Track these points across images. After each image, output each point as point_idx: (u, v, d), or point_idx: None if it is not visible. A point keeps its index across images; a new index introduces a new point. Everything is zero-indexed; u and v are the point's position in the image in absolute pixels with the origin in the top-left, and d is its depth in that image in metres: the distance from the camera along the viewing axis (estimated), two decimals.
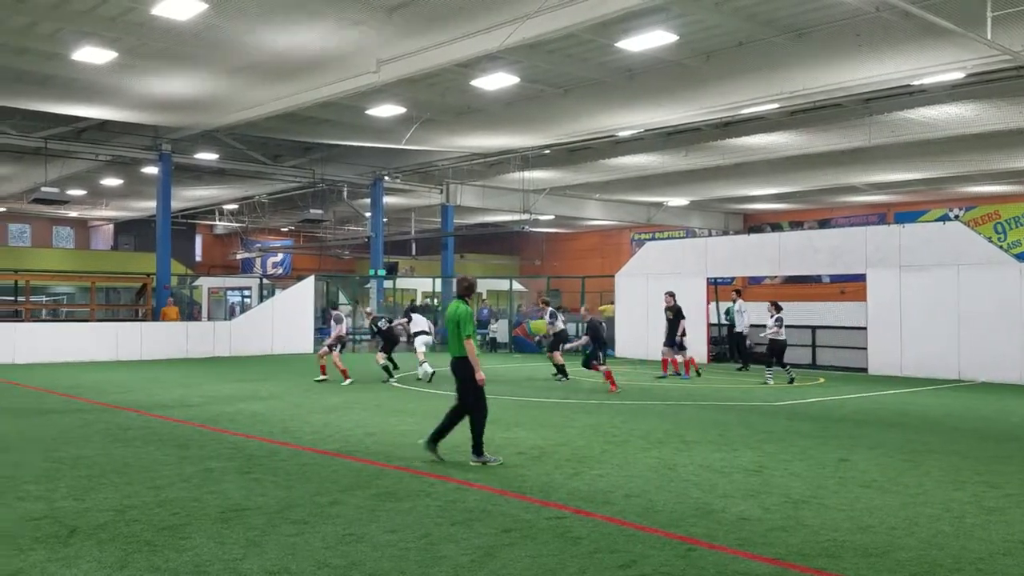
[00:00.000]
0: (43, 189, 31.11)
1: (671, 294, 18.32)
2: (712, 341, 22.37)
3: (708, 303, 22.57)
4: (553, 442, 9.39)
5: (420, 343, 17.48)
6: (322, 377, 16.43)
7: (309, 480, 7.39)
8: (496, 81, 18.03)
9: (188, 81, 19.09)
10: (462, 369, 8.14)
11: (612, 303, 25.11)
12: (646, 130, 22.77)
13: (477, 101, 20.37)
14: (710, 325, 22.41)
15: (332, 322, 16.93)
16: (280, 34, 15.75)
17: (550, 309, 17.76)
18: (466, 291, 8.40)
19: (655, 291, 22.26)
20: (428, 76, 17.76)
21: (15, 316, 27.38)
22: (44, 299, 36.18)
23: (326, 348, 16.86)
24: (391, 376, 16.70)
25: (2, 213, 44.03)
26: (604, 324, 17.23)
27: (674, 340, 17.77)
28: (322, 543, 5.47)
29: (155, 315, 25.55)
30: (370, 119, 22.09)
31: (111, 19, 14.98)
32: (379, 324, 17.76)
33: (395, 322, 18.62)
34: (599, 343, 16.14)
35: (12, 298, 30.07)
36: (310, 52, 16.71)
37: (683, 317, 17.82)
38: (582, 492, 6.98)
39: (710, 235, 36.34)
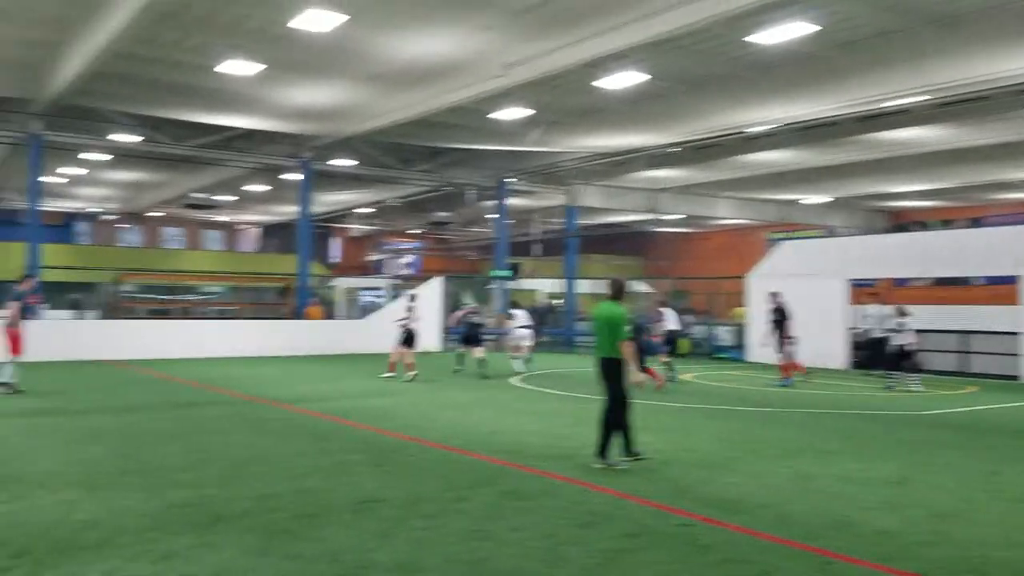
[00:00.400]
0: (194, 195, 33.26)
1: (774, 294, 17.48)
2: (855, 346, 21.31)
3: (848, 306, 21.51)
4: (680, 448, 9.19)
5: (519, 337, 18.49)
6: (389, 374, 16.73)
7: (436, 475, 7.53)
8: (622, 80, 17.84)
9: (327, 91, 19.97)
10: (611, 371, 8.04)
11: (743, 306, 24.35)
12: (780, 125, 22.01)
13: (602, 101, 20.25)
14: (850, 330, 21.35)
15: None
16: (413, 43, 16.22)
17: (663, 309, 17.40)
18: (618, 292, 8.32)
19: (791, 293, 21.45)
20: (553, 77, 17.82)
21: (168, 314, 29.44)
22: (196, 298, 38.65)
23: (399, 346, 16.83)
24: (461, 368, 18.03)
25: (158, 217, 47.40)
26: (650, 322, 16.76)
27: (781, 343, 16.82)
28: (449, 538, 5.56)
29: (296, 314, 26.77)
30: (495, 123, 22.38)
31: (254, 32, 15.84)
32: (470, 320, 18.67)
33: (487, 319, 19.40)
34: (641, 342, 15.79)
35: (166, 297, 32.33)
36: (440, 59, 17.13)
37: (788, 318, 16.85)
38: (711, 500, 6.79)
39: (850, 234, 34.64)
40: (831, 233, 36.86)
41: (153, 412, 11.63)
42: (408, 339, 16.70)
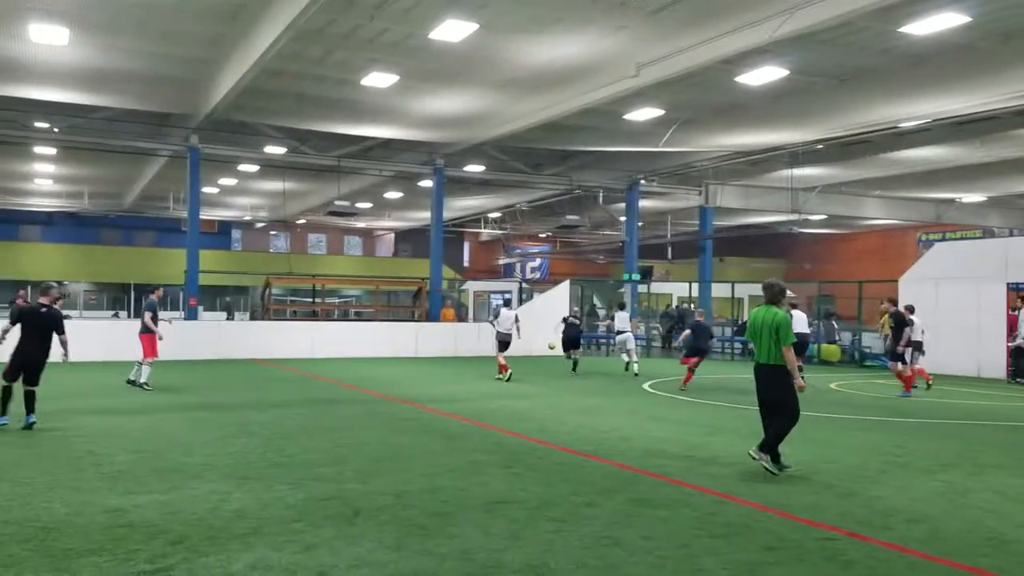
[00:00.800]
0: (336, 203, 34.70)
1: (891, 300, 16.34)
2: (1012, 354, 19.76)
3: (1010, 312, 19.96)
4: (823, 459, 8.77)
5: (621, 340, 19.45)
6: (499, 375, 17.42)
7: (566, 479, 7.51)
8: (762, 76, 17.32)
9: (459, 99, 20.40)
10: (776, 376, 7.89)
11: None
12: (933, 120, 20.70)
13: (741, 98, 19.72)
14: (1012, 336, 19.78)
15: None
16: (543, 47, 16.32)
17: (793, 312, 16.79)
18: (777, 296, 8.18)
19: (946, 298, 20.14)
20: (688, 75, 17.48)
21: (312, 316, 30.86)
22: (336, 301, 40.36)
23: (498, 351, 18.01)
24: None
25: (303, 224, 49.84)
26: (704, 326, 16.63)
27: (896, 351, 15.45)
28: (579, 543, 5.53)
29: (429, 316, 27.46)
30: (627, 123, 22.19)
31: (393, 45, 16.40)
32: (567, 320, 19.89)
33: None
34: (696, 343, 16.09)
35: (310, 300, 33.92)
36: (571, 61, 17.14)
37: (907, 325, 15.52)
38: (856, 514, 6.45)
39: (1011, 235, 32.14)
40: (990, 234, 34.34)
41: (297, 409, 12.22)
42: (500, 345, 17.94)
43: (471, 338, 25.41)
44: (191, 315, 24.29)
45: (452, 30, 14.95)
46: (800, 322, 16.68)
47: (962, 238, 33.79)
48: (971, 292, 19.73)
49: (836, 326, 25.83)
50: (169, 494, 6.67)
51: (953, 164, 26.00)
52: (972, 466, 8.51)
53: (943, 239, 34.43)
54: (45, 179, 34.52)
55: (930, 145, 23.80)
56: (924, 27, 14.13)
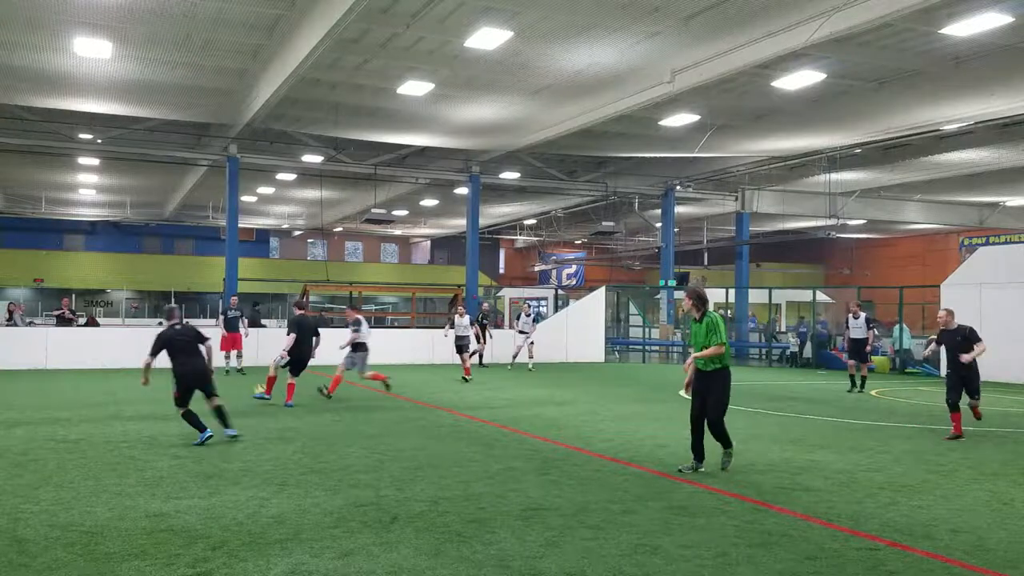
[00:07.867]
0: (373, 210, 34.99)
1: (948, 311, 15.55)
2: None
3: None
4: (865, 468, 8.62)
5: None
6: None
7: (603, 487, 7.48)
8: (799, 80, 17.16)
9: (494, 106, 20.48)
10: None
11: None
12: (976, 123, 20.32)
13: (777, 102, 19.53)
14: None
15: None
16: (577, 54, 16.33)
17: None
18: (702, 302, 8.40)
19: (989, 303, 19.70)
20: (724, 81, 17.38)
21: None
22: (373, 308, 40.64)
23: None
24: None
25: (340, 232, 50.33)
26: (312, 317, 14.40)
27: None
28: (616, 550, 5.50)
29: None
30: (662, 130, 22.11)
31: (429, 53, 16.52)
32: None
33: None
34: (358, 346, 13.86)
35: (347, 307, 34.20)
36: (605, 68, 17.13)
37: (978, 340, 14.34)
38: (898, 523, 6.32)
39: None
40: None
41: (335, 415, 12.32)
42: (458, 348, 19.68)
43: (506, 346, 25.40)
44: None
45: (487, 38, 15.02)
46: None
47: (1007, 242, 33.05)
48: (1016, 297, 19.28)
49: (876, 332, 25.39)
50: (209, 499, 6.76)
51: (997, 167, 25.52)
52: (1018, 475, 8.31)
53: (986, 243, 33.68)
54: (88, 189, 35.30)
55: (973, 148, 23.39)
56: (966, 28, 13.89)
